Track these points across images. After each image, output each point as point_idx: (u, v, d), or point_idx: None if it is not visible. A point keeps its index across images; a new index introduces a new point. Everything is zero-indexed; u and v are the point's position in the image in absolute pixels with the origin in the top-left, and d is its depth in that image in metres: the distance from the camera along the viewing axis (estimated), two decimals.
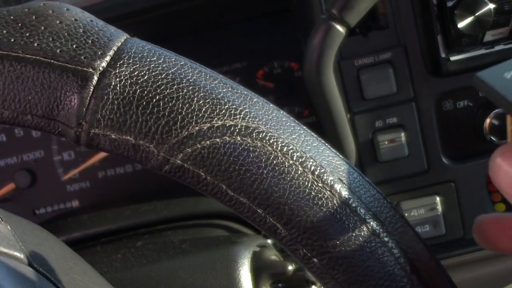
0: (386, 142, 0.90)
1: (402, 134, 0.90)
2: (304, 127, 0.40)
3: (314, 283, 0.73)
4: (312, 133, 0.40)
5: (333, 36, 0.71)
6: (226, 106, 0.38)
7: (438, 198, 0.94)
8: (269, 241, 0.83)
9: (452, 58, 0.88)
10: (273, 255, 0.76)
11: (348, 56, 0.89)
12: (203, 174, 0.37)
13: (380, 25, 0.89)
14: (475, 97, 0.91)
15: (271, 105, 0.40)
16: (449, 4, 0.85)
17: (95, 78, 0.38)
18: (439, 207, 0.94)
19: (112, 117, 0.38)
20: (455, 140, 0.93)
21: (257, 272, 0.72)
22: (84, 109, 0.38)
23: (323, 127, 0.82)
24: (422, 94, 0.90)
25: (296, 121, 0.40)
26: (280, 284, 0.73)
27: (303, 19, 0.95)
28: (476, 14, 0.84)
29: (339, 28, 0.71)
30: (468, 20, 0.84)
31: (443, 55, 0.88)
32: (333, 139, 0.82)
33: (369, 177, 0.92)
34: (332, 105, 0.77)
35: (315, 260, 0.38)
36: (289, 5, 1.02)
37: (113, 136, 0.38)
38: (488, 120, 0.90)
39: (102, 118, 0.38)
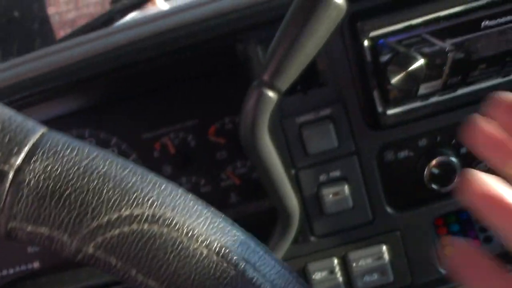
0: (331, 195, 0.93)
1: (346, 187, 0.93)
2: (211, 209, 0.43)
3: None
4: (220, 214, 0.43)
5: (265, 102, 0.74)
6: (134, 195, 0.41)
7: (384, 247, 0.96)
8: None
9: (389, 112, 0.91)
10: None
11: (289, 114, 0.92)
12: (113, 261, 0.40)
13: (320, 82, 0.92)
14: (415, 147, 0.94)
15: (180, 190, 0.43)
16: (382, 60, 0.88)
17: (11, 175, 0.40)
18: (386, 256, 0.96)
19: (27, 211, 0.40)
20: (399, 190, 0.96)
21: None
22: (1, 204, 0.40)
23: (264, 187, 0.84)
24: (363, 147, 0.93)
25: (204, 203, 0.43)
26: None
27: (249, 75, 0.98)
28: (408, 69, 0.87)
29: (270, 94, 0.74)
30: (401, 75, 0.87)
31: (380, 109, 0.91)
32: (275, 198, 0.84)
33: (316, 230, 0.95)
34: (270, 167, 0.80)
35: None
36: (237, 61, 1.05)
37: (29, 229, 0.40)
38: (428, 169, 0.93)
39: (18, 212, 0.40)
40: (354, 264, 0.96)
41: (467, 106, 0.93)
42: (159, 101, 1.12)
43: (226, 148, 1.11)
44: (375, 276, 0.97)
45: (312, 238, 0.96)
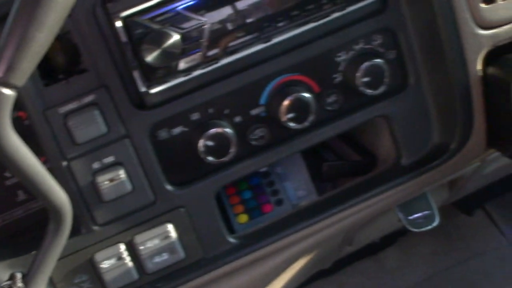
0: (107, 182, 0.91)
1: (122, 171, 0.91)
2: None
3: None
4: None
5: (1, 101, 0.70)
6: None
7: (170, 226, 0.96)
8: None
9: (153, 91, 0.90)
10: None
11: (52, 104, 0.88)
12: None
13: (81, 69, 0.90)
14: (188, 122, 0.94)
15: None
16: (138, 39, 0.87)
17: None
18: (173, 234, 0.96)
19: None
20: (177, 167, 0.95)
21: None
22: None
23: (25, 186, 0.80)
24: (134, 129, 0.91)
25: None
26: None
27: None
28: (163, 46, 0.86)
29: (5, 91, 0.69)
30: (156, 53, 0.86)
31: (143, 89, 0.89)
32: (39, 196, 0.80)
33: (98, 218, 0.93)
34: (23, 165, 0.75)
35: None
36: None
37: None
38: (202, 142, 0.92)
39: None
40: (141, 247, 0.95)
41: (233, 75, 0.93)
42: None
43: None
44: (165, 256, 0.96)
45: (96, 228, 0.94)
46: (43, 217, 1.03)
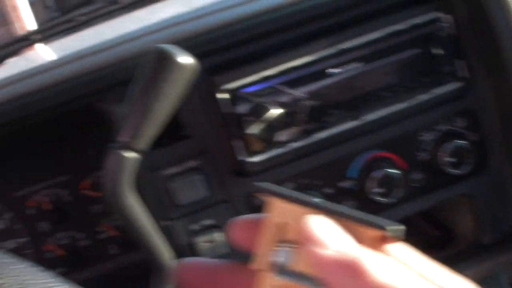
0: (204, 243, 0.96)
1: (220, 234, 0.96)
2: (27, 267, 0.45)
3: None
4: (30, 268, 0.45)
5: (126, 164, 0.75)
6: None
7: None
8: None
9: (252, 160, 0.96)
10: None
11: (156, 167, 0.94)
12: None
13: (184, 135, 0.96)
14: None
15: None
16: (239, 111, 0.93)
17: None
18: None
19: None
20: None
21: None
22: None
23: (136, 243, 0.85)
24: (233, 194, 0.97)
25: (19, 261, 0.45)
26: None
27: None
28: (264, 119, 0.92)
29: (131, 155, 0.76)
30: (257, 125, 0.92)
31: (241, 158, 0.95)
32: (147, 253, 0.85)
33: None
34: (139, 225, 0.81)
35: None
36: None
37: None
38: None
39: None
40: None
41: (325, 149, 0.99)
42: (28, 158, 1.12)
43: (101, 201, 1.13)
44: None
45: None
46: (134, 271, 1.08)
